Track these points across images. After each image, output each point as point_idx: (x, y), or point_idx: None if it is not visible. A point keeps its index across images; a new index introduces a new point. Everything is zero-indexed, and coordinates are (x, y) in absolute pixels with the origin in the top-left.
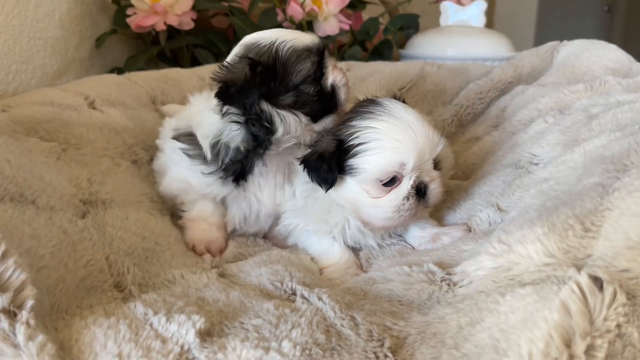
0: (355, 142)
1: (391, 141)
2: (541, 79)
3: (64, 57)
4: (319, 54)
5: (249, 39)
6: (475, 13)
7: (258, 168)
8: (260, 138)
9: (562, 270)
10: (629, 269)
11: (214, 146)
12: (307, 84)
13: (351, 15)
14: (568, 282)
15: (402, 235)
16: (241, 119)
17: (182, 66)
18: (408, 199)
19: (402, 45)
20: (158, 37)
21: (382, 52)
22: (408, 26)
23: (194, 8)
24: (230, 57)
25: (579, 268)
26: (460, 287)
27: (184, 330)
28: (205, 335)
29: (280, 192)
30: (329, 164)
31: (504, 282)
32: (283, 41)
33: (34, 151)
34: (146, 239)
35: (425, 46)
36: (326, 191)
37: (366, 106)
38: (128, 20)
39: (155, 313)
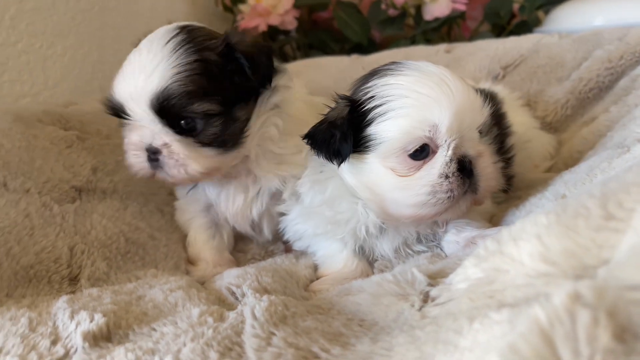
0: (372, 104)
1: (417, 96)
2: None
3: None
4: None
5: None
6: None
7: None
8: None
9: (558, 285)
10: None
11: None
12: None
13: None
14: (537, 305)
15: (437, 240)
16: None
17: None
18: (447, 177)
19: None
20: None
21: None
22: (550, 1)
23: (296, 7)
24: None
25: None
26: (436, 305)
27: (79, 330)
28: (100, 339)
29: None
30: (341, 131)
31: (481, 301)
32: None
33: (40, 137)
34: (139, 229)
35: (566, 19)
36: (339, 165)
37: (386, 65)
38: (236, 25)
39: (65, 308)
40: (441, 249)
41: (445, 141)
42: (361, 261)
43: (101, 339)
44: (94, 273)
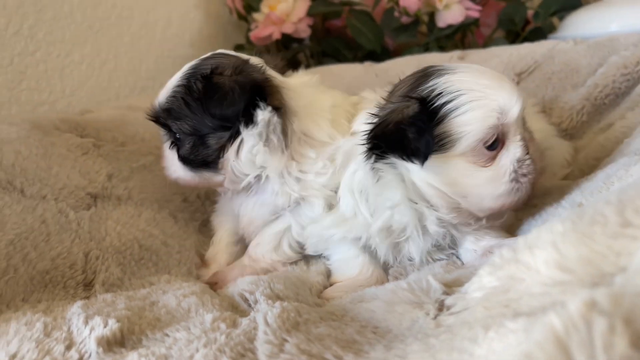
0: (442, 100)
1: (483, 88)
2: None
3: None
4: None
5: None
6: None
7: None
8: None
9: (574, 293)
10: None
11: None
12: None
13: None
14: (553, 313)
15: (454, 248)
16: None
17: None
18: (524, 161)
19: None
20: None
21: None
22: (564, 7)
23: (309, 15)
24: None
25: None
26: (451, 314)
27: (93, 335)
28: (114, 344)
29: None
30: (418, 127)
31: (496, 310)
32: None
33: (57, 144)
34: (153, 236)
35: (581, 25)
36: (422, 164)
37: (432, 69)
38: (250, 33)
39: (80, 313)
40: (458, 257)
41: (515, 126)
42: (377, 268)
43: (115, 344)
44: (108, 279)
